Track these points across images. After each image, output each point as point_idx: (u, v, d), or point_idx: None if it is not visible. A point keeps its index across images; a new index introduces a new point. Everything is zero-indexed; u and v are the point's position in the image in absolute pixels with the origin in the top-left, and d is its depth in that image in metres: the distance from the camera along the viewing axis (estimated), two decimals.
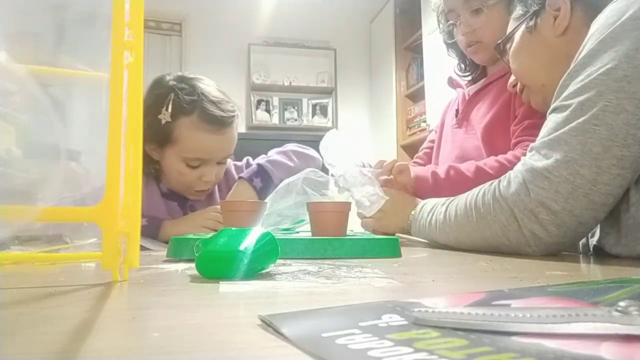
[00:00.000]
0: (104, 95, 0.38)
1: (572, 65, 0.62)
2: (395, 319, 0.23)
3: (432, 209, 0.79)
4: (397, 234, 0.94)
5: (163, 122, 0.98)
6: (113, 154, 0.37)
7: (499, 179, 0.67)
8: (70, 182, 0.42)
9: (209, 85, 1.06)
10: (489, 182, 0.68)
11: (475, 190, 0.70)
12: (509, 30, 0.84)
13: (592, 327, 0.20)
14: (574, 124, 0.58)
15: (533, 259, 0.60)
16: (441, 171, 0.96)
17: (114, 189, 0.37)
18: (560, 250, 0.64)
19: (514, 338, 0.20)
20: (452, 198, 0.75)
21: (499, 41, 0.86)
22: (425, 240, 0.92)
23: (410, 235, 0.87)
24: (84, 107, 0.52)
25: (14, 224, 0.35)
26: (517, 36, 0.82)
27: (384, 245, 0.62)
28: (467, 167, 0.94)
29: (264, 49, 4.21)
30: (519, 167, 0.64)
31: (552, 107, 0.63)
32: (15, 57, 0.34)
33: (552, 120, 0.62)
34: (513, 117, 0.98)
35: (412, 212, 0.85)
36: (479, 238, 0.68)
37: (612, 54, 0.57)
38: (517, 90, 0.89)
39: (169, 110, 0.98)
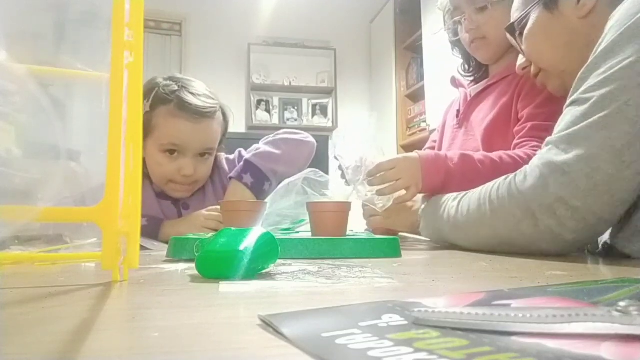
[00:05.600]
0: (104, 95, 0.38)
1: (591, 58, 0.60)
2: (395, 319, 0.23)
3: (443, 203, 0.76)
4: (405, 232, 0.93)
5: (143, 112, 0.98)
6: (113, 154, 0.37)
7: (515, 173, 0.65)
8: (70, 182, 0.42)
9: (195, 82, 1.07)
10: (504, 177, 0.66)
11: (490, 184, 0.68)
12: (523, 9, 0.80)
13: (592, 327, 0.20)
14: (595, 118, 0.56)
15: (534, 258, 0.60)
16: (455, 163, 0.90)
17: (114, 189, 0.37)
18: (574, 250, 0.62)
19: (514, 338, 0.20)
20: (464, 192, 0.73)
21: (512, 21, 0.81)
22: (427, 239, 0.91)
23: (419, 231, 0.85)
24: (84, 107, 0.52)
25: (14, 224, 0.35)
26: (534, 16, 0.77)
27: (384, 245, 0.62)
28: (481, 159, 0.90)
29: (264, 49, 4.21)
30: (535, 161, 0.62)
31: (570, 100, 0.62)
32: (15, 57, 0.34)
33: (570, 113, 0.60)
34: (514, 120, 0.98)
35: (421, 207, 0.82)
36: (491, 233, 0.66)
37: (636, 46, 0.55)
38: (531, 74, 0.85)
39: (150, 101, 0.98)
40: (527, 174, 0.62)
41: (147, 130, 1.00)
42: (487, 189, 0.67)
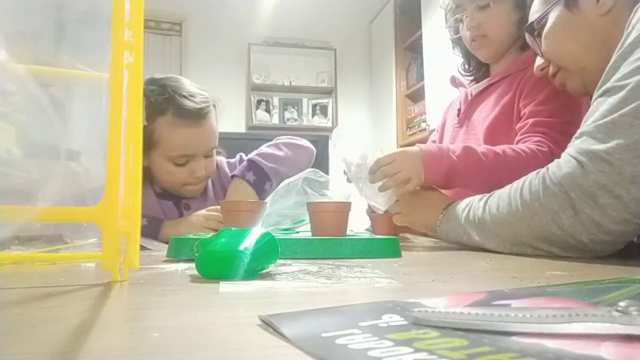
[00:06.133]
0: (104, 95, 0.38)
1: (620, 49, 0.60)
2: (395, 319, 0.23)
3: (468, 205, 0.74)
4: (423, 231, 0.92)
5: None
6: (113, 154, 0.37)
7: (546, 166, 0.62)
8: (70, 182, 0.42)
9: (179, 82, 1.06)
10: (535, 172, 0.64)
11: (519, 181, 0.66)
12: (542, 9, 0.80)
13: (592, 327, 0.20)
14: (634, 105, 0.54)
15: (533, 258, 0.60)
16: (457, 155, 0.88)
17: (114, 189, 0.37)
18: (619, 245, 0.59)
19: (514, 338, 0.20)
20: (491, 193, 0.71)
21: (531, 21, 0.81)
22: (427, 239, 0.91)
23: (436, 233, 0.82)
24: (84, 107, 0.52)
25: (14, 224, 0.35)
26: (553, 15, 0.78)
27: (384, 245, 0.62)
28: (484, 152, 0.89)
29: (264, 49, 4.21)
30: (569, 151, 0.60)
31: (601, 90, 0.60)
32: (15, 57, 0.34)
33: (605, 102, 0.58)
34: (516, 118, 0.98)
35: (443, 211, 0.80)
36: (524, 229, 0.63)
37: None
38: (550, 74, 0.85)
39: (144, 114, 0.98)
40: (562, 164, 0.60)
41: (151, 143, 1.01)
42: (516, 185, 0.66)
